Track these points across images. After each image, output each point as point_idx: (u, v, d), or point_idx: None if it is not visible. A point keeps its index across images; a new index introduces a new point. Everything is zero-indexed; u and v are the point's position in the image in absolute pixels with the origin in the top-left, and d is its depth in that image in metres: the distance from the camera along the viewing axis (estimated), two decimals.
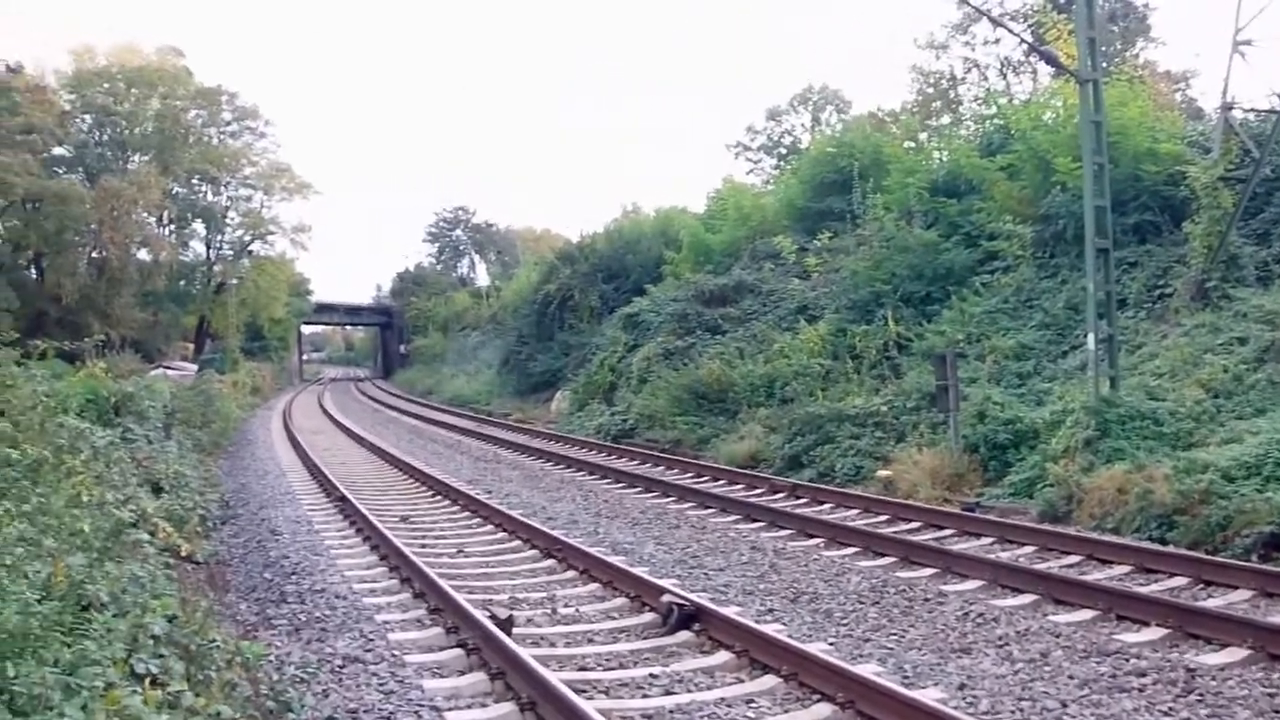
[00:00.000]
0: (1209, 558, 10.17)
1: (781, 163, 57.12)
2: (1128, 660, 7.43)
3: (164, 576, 7.35)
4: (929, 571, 10.55)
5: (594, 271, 41.42)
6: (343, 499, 15.92)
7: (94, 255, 46.02)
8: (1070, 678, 7.12)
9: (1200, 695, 6.69)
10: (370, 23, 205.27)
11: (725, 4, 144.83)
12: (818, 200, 31.19)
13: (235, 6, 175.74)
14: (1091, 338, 14.65)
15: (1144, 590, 9.32)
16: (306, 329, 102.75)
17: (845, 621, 8.91)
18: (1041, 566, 10.44)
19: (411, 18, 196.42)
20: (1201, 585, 9.50)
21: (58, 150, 45.99)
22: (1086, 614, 8.66)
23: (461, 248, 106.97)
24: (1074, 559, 10.82)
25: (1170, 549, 10.84)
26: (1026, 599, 9.26)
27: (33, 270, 44.96)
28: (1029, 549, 11.43)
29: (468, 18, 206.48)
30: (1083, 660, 7.49)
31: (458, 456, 24.23)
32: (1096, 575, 10.09)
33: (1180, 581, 9.66)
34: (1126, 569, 10.25)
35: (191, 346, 55.49)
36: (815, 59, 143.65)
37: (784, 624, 8.79)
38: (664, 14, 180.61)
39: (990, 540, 11.99)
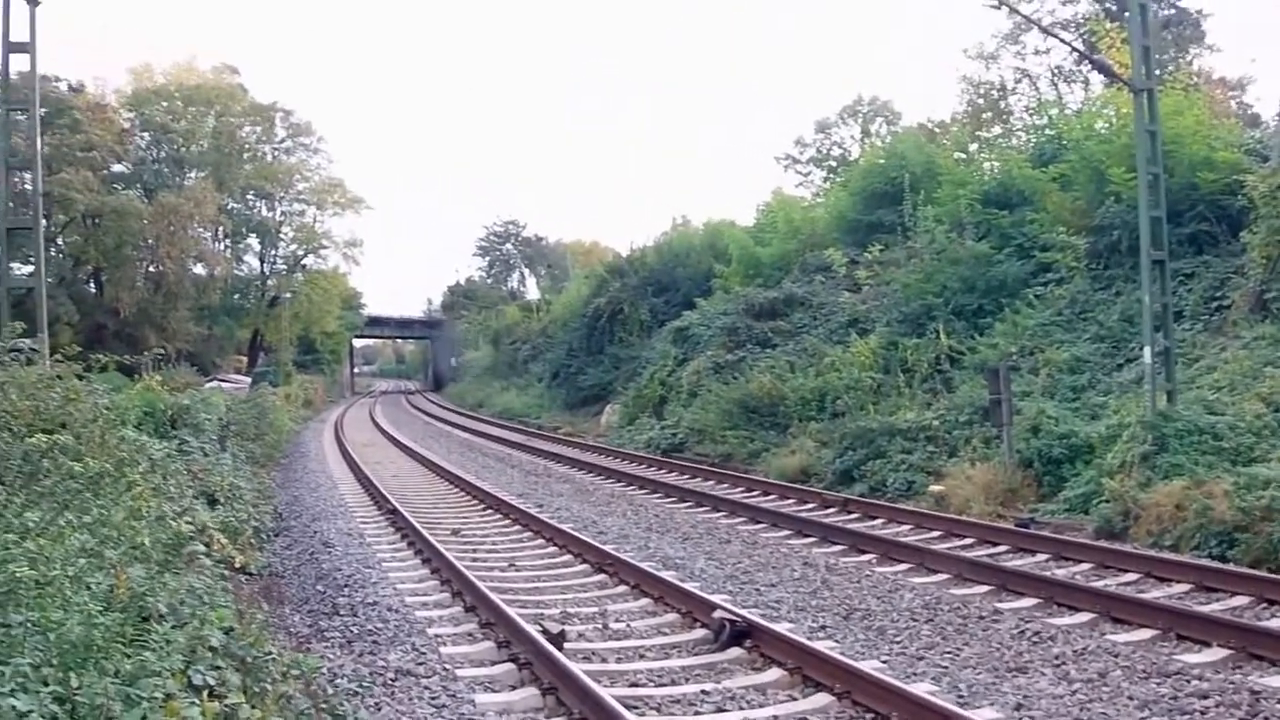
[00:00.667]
0: (1272, 576, 9.93)
1: (831, 175, 56.82)
2: (1189, 681, 7.27)
3: (220, 588, 7.45)
4: (983, 588, 10.42)
5: (643, 285, 41.48)
6: (394, 511, 16.04)
7: (151, 270, 46.75)
8: (1129, 699, 6.99)
9: (1265, 719, 6.54)
10: (425, 35, 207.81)
11: (784, 13, 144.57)
12: (868, 212, 30.97)
13: (286, 22, 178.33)
14: (1148, 350, 14.40)
15: (1205, 609, 9.11)
16: (358, 342, 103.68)
17: (898, 639, 8.83)
18: (1099, 584, 10.27)
19: (464, 31, 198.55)
20: (1265, 605, 9.28)
21: (117, 167, 46.87)
22: (1146, 633, 8.51)
23: (512, 261, 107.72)
24: (1132, 576, 10.63)
25: (1231, 567, 10.61)
26: (1083, 617, 9.10)
27: (92, 284, 45.83)
28: (1085, 566, 11.26)
29: (520, 31, 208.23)
30: (1142, 681, 7.35)
31: (508, 470, 24.32)
32: (1155, 593, 9.91)
33: (1242, 601, 9.45)
34: (1186, 587, 10.06)
35: (245, 359, 56.18)
36: (865, 69, 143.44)
37: (836, 641, 8.72)
38: (723, 26, 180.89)
39: (1045, 557, 11.81)
